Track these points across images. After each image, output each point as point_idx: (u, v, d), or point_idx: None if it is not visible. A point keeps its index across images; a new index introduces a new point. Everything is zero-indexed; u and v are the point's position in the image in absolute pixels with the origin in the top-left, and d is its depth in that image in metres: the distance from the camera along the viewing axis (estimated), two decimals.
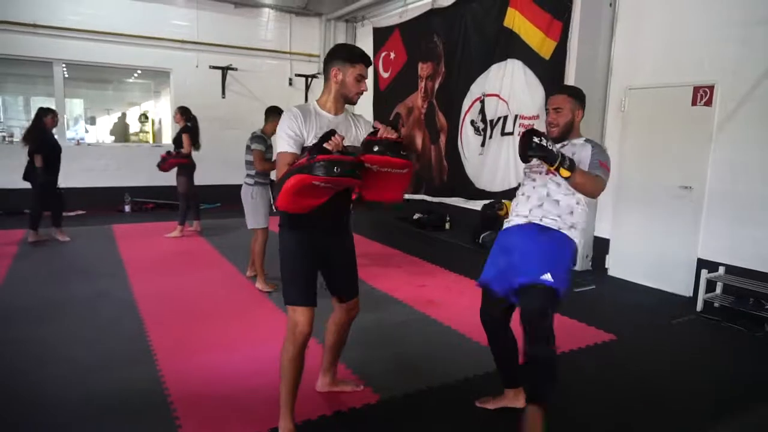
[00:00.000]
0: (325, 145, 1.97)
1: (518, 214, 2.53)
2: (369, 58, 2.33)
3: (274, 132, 4.49)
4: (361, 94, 2.32)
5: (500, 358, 2.64)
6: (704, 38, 4.53)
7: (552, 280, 2.25)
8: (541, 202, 2.45)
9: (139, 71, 9.51)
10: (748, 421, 2.69)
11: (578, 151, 2.43)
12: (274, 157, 4.37)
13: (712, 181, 4.54)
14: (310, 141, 2.16)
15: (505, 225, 2.62)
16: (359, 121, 2.43)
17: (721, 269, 4.42)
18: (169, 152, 6.53)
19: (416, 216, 7.95)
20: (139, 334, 3.50)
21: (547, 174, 2.44)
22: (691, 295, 4.57)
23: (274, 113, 4.53)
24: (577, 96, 2.50)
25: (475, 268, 5.36)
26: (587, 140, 2.51)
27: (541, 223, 2.42)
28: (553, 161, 2.16)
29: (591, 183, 2.30)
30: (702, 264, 4.52)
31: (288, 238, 2.31)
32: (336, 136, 2.00)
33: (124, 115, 11.28)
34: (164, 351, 3.24)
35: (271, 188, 4.53)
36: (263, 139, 4.46)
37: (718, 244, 4.52)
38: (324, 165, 1.93)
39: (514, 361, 2.57)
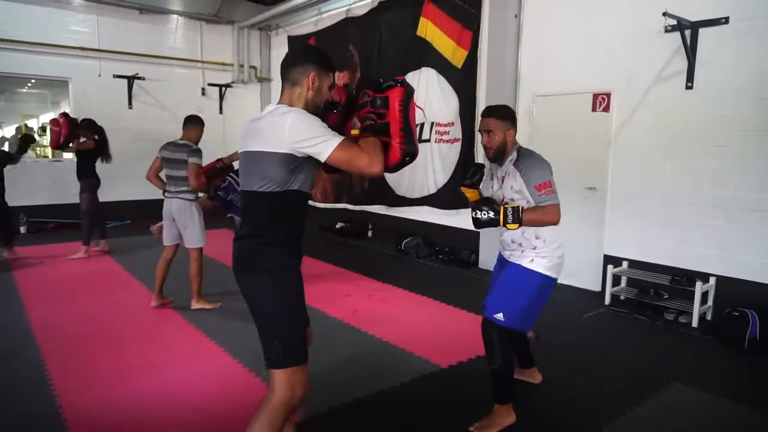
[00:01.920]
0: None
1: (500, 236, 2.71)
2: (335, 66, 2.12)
3: (198, 140, 4.30)
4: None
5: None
6: (602, 48, 4.85)
7: (503, 320, 2.49)
8: (512, 239, 2.62)
9: (33, 80, 8.79)
10: (656, 403, 2.87)
11: (514, 181, 2.53)
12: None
13: (613, 181, 4.85)
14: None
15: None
16: None
17: (625, 264, 4.72)
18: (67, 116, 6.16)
19: (338, 225, 7.90)
20: (36, 368, 3.18)
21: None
22: (600, 289, 4.85)
23: (193, 122, 4.28)
24: (505, 117, 2.58)
25: (399, 275, 5.44)
26: (517, 156, 2.57)
27: (505, 256, 2.67)
28: (498, 223, 2.38)
29: (544, 217, 2.42)
30: (608, 260, 4.82)
31: (291, 281, 1.90)
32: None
33: (20, 128, 10.35)
34: (65, 384, 2.96)
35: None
36: (200, 151, 4.16)
37: (621, 241, 4.83)
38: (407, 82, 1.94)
39: (526, 349, 3.01)
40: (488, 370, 2.57)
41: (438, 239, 6.50)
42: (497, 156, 2.60)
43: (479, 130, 2.63)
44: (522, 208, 2.39)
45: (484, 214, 2.39)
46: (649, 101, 4.55)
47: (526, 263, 2.54)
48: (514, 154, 2.59)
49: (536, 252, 2.53)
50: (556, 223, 2.44)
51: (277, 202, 1.85)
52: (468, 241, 6.07)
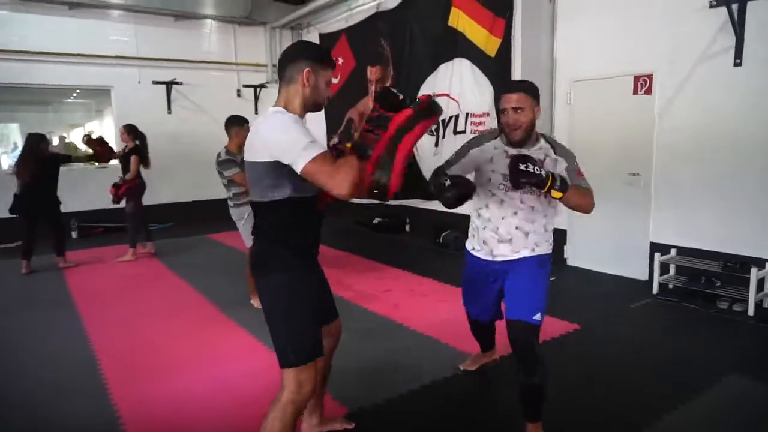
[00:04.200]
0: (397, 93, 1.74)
1: (500, 238, 2.44)
2: (334, 62, 2.03)
3: (241, 146, 4.26)
4: (328, 100, 1.99)
5: (482, 339, 3.06)
6: (641, 29, 4.67)
7: (540, 319, 2.29)
8: (516, 210, 2.39)
9: (77, 91, 9.12)
10: (712, 396, 2.76)
11: (553, 167, 2.30)
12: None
13: (657, 166, 4.67)
14: None
15: (473, 248, 2.59)
16: None
17: (673, 251, 4.55)
18: (116, 184, 6.23)
19: (376, 220, 7.90)
20: (91, 365, 3.30)
21: (539, 196, 2.35)
22: (647, 278, 4.69)
23: (236, 123, 4.28)
24: (532, 92, 2.32)
25: (438, 269, 5.41)
26: (553, 146, 2.39)
27: (501, 256, 2.44)
28: (544, 185, 2.09)
29: (584, 199, 2.23)
30: (655, 247, 4.65)
31: (296, 281, 1.89)
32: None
33: (62, 137, 10.76)
34: (118, 381, 3.07)
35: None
36: (232, 161, 4.15)
37: (668, 227, 4.66)
38: (435, 104, 1.72)
39: (492, 337, 3.04)
40: (523, 383, 2.28)
41: None
42: (525, 137, 2.32)
43: (501, 109, 2.31)
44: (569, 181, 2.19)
45: (532, 168, 2.06)
46: (694, 81, 4.36)
47: (540, 250, 2.41)
48: (542, 141, 2.39)
49: (543, 238, 2.44)
50: (591, 209, 2.27)
51: (277, 210, 1.86)
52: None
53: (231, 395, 2.86)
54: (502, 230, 2.42)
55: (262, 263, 1.93)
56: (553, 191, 2.10)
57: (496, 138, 2.44)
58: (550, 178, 2.08)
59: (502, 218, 2.41)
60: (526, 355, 2.25)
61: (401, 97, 1.76)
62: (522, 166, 2.07)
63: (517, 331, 2.26)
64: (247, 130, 4.24)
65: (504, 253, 2.44)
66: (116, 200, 6.21)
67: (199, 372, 3.18)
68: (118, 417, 2.66)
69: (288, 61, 1.90)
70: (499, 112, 2.35)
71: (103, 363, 3.34)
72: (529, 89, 2.31)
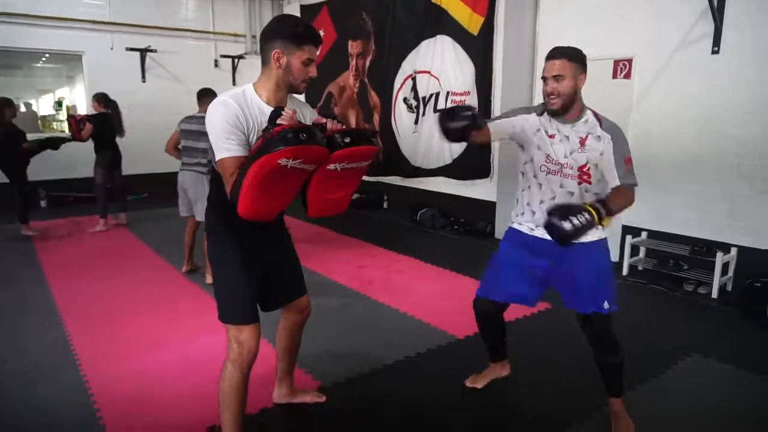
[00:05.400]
0: (279, 121, 1.68)
1: (536, 223, 2.28)
2: (318, 36, 1.88)
3: None
4: (308, 81, 1.88)
5: (492, 340, 2.66)
6: (624, 12, 4.68)
7: (609, 307, 2.22)
8: (554, 195, 2.23)
9: (47, 55, 8.79)
10: (674, 374, 2.86)
11: (602, 146, 2.16)
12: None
13: (633, 150, 4.70)
14: (253, 141, 1.80)
15: (520, 224, 2.37)
16: (305, 111, 2.04)
17: (644, 234, 4.66)
18: (72, 116, 6.05)
19: (354, 196, 7.88)
20: (62, 342, 3.25)
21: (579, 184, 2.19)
22: (618, 260, 4.80)
23: (209, 95, 4.25)
24: (578, 58, 2.13)
25: (415, 246, 5.44)
26: (601, 121, 2.23)
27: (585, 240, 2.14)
28: (593, 226, 1.90)
29: (627, 203, 2.07)
30: (626, 230, 4.75)
31: (226, 244, 1.94)
32: (286, 109, 1.71)
33: (29, 104, 10.41)
34: (90, 357, 3.03)
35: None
36: None
37: (640, 211, 4.73)
38: (286, 135, 1.58)
39: (503, 340, 2.67)
40: (607, 365, 2.30)
41: (454, 210, 6.47)
42: (565, 108, 2.15)
43: (542, 77, 2.17)
44: (607, 197, 2.04)
45: (578, 221, 1.84)
46: (672, 67, 4.40)
47: (597, 235, 2.21)
48: (590, 114, 2.22)
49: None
50: (632, 204, 2.10)
51: (218, 176, 1.87)
52: (484, 211, 6.03)
53: (203, 371, 2.85)
54: (538, 215, 2.26)
55: (208, 224, 2.02)
56: (603, 223, 1.95)
57: (542, 114, 2.27)
58: (595, 215, 1.88)
59: (541, 203, 2.26)
60: (605, 342, 2.27)
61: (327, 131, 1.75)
62: (567, 225, 1.84)
63: (594, 323, 2.24)
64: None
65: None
66: (76, 135, 5.98)
67: (171, 347, 3.17)
68: (91, 394, 2.63)
69: (263, 40, 1.86)
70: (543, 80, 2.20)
71: (73, 338, 3.29)
72: (574, 55, 2.12)
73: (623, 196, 2.07)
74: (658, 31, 4.45)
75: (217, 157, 1.76)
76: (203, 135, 4.08)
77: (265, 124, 1.77)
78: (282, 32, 1.82)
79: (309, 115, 2.04)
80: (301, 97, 2.22)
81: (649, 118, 4.59)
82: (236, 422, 2.00)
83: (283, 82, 1.85)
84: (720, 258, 4.02)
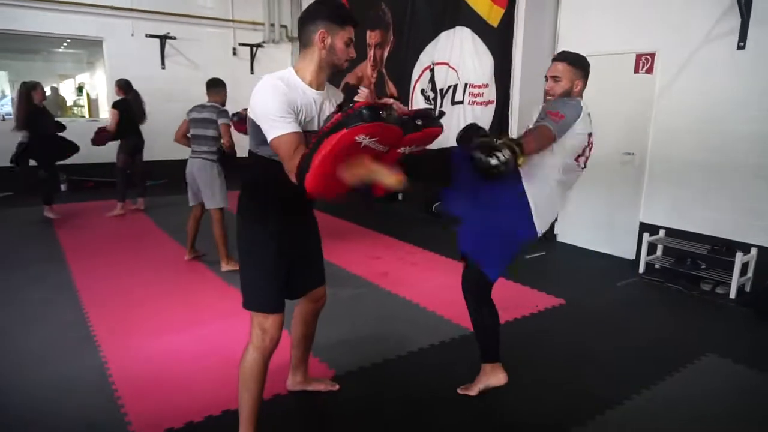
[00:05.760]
0: (356, 98, 1.68)
1: None
2: (356, 18, 1.89)
3: (224, 103, 4.35)
4: (349, 61, 1.90)
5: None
6: (647, 6, 4.60)
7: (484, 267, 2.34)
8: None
9: (68, 41, 8.88)
10: (688, 374, 2.83)
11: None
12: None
13: (652, 147, 4.68)
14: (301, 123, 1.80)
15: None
16: (338, 96, 2.03)
17: (662, 232, 4.60)
18: (100, 128, 6.24)
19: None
20: (80, 321, 3.32)
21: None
22: (635, 257, 4.75)
23: (219, 85, 4.34)
24: (576, 64, 2.33)
25: (429, 239, 5.43)
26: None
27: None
28: (516, 163, 1.97)
29: (541, 141, 2.13)
30: (644, 228, 4.70)
31: (259, 232, 1.93)
32: (362, 88, 1.74)
33: (54, 88, 10.53)
34: (107, 337, 3.09)
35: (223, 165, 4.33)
36: (227, 112, 4.31)
37: (659, 208, 4.70)
38: (365, 111, 1.55)
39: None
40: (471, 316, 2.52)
41: None
42: None
43: (545, 76, 2.38)
44: (520, 137, 2.09)
45: (504, 157, 1.94)
46: (696, 62, 4.32)
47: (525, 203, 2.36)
48: None
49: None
50: (543, 146, 2.15)
51: (258, 165, 1.89)
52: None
53: (219, 354, 2.89)
54: None
55: (240, 211, 1.99)
56: (520, 160, 2.00)
57: None
58: (515, 155, 1.96)
59: None
60: (468, 293, 2.48)
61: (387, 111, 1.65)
62: (492, 162, 1.94)
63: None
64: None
65: None
66: (97, 142, 6.17)
67: (187, 330, 3.21)
68: (109, 374, 2.69)
69: (303, 23, 1.86)
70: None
71: (92, 319, 3.35)
72: (575, 61, 2.34)
73: (531, 134, 2.13)
74: (682, 25, 4.37)
75: (275, 135, 1.72)
76: (212, 123, 4.21)
77: (308, 107, 1.81)
78: (325, 13, 1.83)
79: (335, 101, 2.02)
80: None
81: (671, 113, 4.51)
82: (254, 404, 2.03)
83: (326, 62, 1.86)
84: (739, 258, 3.96)
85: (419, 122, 1.73)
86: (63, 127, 6.13)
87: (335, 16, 1.82)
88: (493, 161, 1.94)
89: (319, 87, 1.87)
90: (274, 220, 1.93)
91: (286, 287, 2.04)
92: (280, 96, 1.73)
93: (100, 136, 6.14)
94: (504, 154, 1.94)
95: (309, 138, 1.75)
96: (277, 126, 1.72)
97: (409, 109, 6.96)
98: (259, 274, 1.96)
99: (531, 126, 2.24)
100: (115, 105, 6.13)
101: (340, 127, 1.57)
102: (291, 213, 1.96)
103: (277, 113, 1.72)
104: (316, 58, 1.84)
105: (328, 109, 1.91)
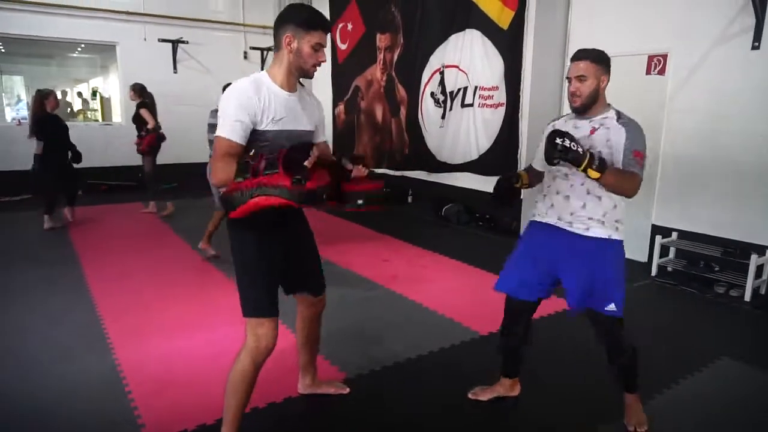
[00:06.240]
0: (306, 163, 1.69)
1: (560, 218, 2.27)
2: (328, 22, 1.95)
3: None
4: (319, 65, 1.94)
5: (509, 352, 2.55)
6: (658, 6, 4.57)
7: (615, 310, 2.26)
8: (583, 202, 2.20)
9: (82, 45, 9.01)
10: (702, 377, 2.80)
11: (612, 135, 2.17)
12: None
13: (665, 148, 4.64)
14: (265, 125, 1.85)
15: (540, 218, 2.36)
16: (313, 101, 2.10)
17: (674, 234, 4.56)
18: (140, 135, 6.35)
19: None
20: (93, 322, 3.36)
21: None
22: (647, 260, 4.71)
23: None
24: (601, 60, 2.23)
25: (439, 242, 5.43)
26: (619, 116, 2.25)
27: (590, 235, 2.19)
28: (580, 163, 1.96)
29: (625, 184, 2.06)
30: (656, 230, 4.66)
31: (248, 240, 1.96)
32: (310, 160, 1.71)
33: (63, 92, 10.66)
34: (120, 338, 3.12)
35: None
36: None
37: (671, 211, 4.66)
38: (298, 193, 1.67)
39: (520, 355, 2.55)
40: (616, 363, 2.39)
41: (479, 206, 6.43)
42: (585, 107, 2.22)
43: (567, 77, 2.27)
44: (609, 162, 2.05)
45: (570, 144, 1.95)
46: (709, 63, 4.28)
47: (615, 235, 2.22)
48: (612, 111, 2.26)
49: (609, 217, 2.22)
50: (630, 195, 2.10)
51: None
52: (510, 208, 5.98)
53: (229, 356, 2.88)
54: (540, 205, 2.37)
55: (228, 222, 2.00)
56: (589, 170, 1.97)
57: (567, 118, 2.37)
58: (588, 156, 1.96)
59: (557, 193, 2.28)
60: (611, 342, 2.36)
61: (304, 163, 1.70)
62: (558, 140, 1.97)
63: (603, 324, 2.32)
64: None
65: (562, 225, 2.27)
66: (142, 149, 6.33)
67: (198, 332, 3.24)
68: (120, 373, 2.72)
69: (276, 26, 1.92)
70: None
71: (105, 319, 3.39)
72: (597, 58, 2.23)
73: (622, 173, 2.07)
74: (694, 25, 4.33)
75: (219, 132, 1.82)
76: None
77: (278, 107, 1.88)
78: (292, 18, 1.89)
79: (317, 108, 2.11)
80: (326, 90, 2.23)
81: (683, 115, 4.47)
82: (239, 411, 2.04)
83: (294, 66, 1.91)
84: (754, 260, 3.91)
85: (360, 202, 1.81)
86: (79, 159, 6.08)
87: (302, 20, 1.87)
88: (559, 141, 1.97)
89: (290, 88, 1.94)
90: (256, 226, 1.92)
91: (277, 288, 2.04)
92: (243, 100, 1.82)
93: (149, 139, 6.23)
94: (574, 145, 1.96)
95: (283, 136, 1.87)
96: (224, 126, 1.81)
97: (419, 111, 6.98)
98: (249, 280, 1.98)
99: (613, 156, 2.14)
100: (143, 105, 6.25)
101: (266, 192, 1.68)
102: (275, 219, 1.93)
103: (231, 116, 1.81)
104: (285, 61, 1.90)
105: (309, 111, 2.02)
